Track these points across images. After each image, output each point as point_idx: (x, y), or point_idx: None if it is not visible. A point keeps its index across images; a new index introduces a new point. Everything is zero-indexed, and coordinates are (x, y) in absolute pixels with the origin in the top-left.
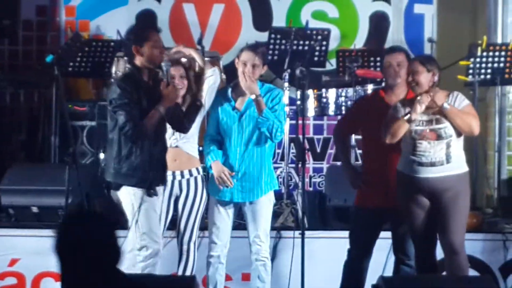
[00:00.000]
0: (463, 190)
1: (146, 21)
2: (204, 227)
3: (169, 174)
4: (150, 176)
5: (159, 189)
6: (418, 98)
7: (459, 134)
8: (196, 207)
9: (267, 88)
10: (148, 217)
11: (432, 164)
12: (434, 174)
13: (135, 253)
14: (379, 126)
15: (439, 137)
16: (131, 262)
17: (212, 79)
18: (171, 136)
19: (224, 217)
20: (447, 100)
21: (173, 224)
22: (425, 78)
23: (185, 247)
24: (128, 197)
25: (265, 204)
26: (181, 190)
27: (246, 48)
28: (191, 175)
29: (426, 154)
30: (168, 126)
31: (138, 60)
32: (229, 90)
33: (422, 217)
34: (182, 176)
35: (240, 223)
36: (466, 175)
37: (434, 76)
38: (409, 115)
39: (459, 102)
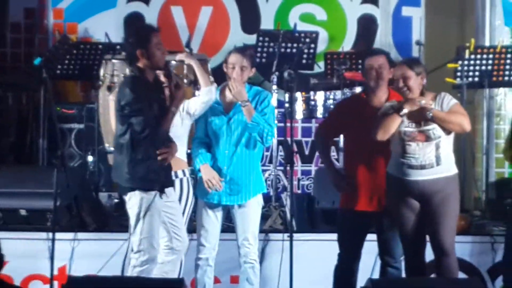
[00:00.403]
0: (453, 192)
1: (134, 24)
2: (192, 229)
3: None
4: (162, 178)
5: (169, 190)
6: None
7: (448, 133)
8: (182, 209)
9: (255, 90)
10: (152, 223)
11: (422, 167)
12: (424, 177)
13: (132, 256)
14: (361, 129)
15: (428, 138)
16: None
17: (206, 97)
18: None
19: (213, 219)
20: (434, 102)
21: None
22: (415, 82)
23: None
24: (135, 201)
25: (254, 206)
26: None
27: (234, 50)
28: (176, 176)
29: (416, 156)
30: None
31: (141, 63)
32: (218, 93)
33: (412, 219)
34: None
35: (228, 226)
36: (456, 177)
37: (422, 79)
38: (403, 109)
39: (447, 102)
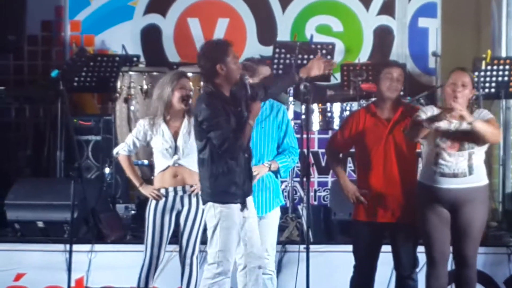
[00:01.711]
0: (483, 202)
1: (151, 36)
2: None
3: (170, 189)
4: (244, 190)
5: (250, 203)
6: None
7: (482, 144)
8: (198, 222)
9: (271, 103)
10: (228, 236)
11: (455, 175)
12: (457, 185)
13: (206, 268)
14: (372, 141)
15: (461, 147)
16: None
17: None
18: (173, 156)
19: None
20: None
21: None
22: (469, 93)
23: (188, 261)
24: (213, 213)
25: (272, 218)
26: (182, 205)
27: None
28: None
29: (449, 165)
30: (168, 146)
31: (219, 77)
32: None
33: (440, 229)
34: (184, 191)
35: None
36: (487, 187)
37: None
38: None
39: (484, 115)
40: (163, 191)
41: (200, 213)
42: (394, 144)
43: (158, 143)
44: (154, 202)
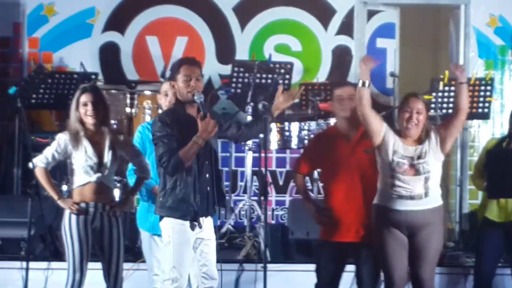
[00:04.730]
0: (439, 225)
1: (109, 53)
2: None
3: (91, 205)
4: (194, 208)
5: (206, 220)
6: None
7: (436, 170)
8: (115, 241)
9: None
10: (181, 252)
11: (412, 198)
12: (413, 207)
13: (165, 284)
14: (335, 161)
15: (417, 172)
16: None
17: None
18: (97, 173)
19: (163, 249)
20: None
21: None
22: (424, 117)
23: (112, 281)
24: (165, 229)
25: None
26: (102, 223)
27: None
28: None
29: (406, 187)
30: (93, 163)
31: (178, 94)
32: None
33: (398, 252)
34: (104, 209)
35: None
36: (441, 208)
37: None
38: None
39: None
40: (83, 205)
41: (117, 233)
42: (357, 164)
43: (81, 159)
44: (74, 216)
